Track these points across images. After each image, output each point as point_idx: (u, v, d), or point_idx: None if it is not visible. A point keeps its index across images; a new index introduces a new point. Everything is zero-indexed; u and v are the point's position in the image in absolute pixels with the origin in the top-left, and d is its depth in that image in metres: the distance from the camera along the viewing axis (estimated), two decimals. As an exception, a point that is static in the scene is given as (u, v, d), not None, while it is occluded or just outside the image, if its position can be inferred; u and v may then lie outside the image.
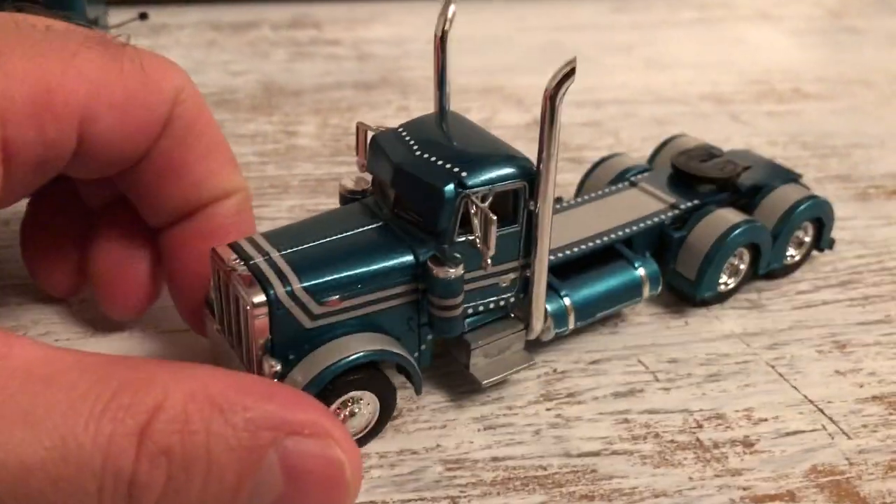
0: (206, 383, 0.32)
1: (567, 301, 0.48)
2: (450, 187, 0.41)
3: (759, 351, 0.50)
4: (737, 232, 0.52)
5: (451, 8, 0.47)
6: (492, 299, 0.45)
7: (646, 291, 0.50)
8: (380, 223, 0.44)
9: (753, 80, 0.90)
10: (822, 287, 0.56)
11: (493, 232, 0.41)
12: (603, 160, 0.61)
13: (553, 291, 0.48)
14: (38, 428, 0.30)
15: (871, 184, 0.70)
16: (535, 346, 0.48)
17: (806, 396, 0.47)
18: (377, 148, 0.46)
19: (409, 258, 0.42)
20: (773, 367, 0.49)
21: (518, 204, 0.43)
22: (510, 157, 0.43)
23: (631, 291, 0.50)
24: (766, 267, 0.55)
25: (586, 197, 0.56)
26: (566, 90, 0.40)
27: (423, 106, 0.83)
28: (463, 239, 0.42)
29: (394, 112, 0.81)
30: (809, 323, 0.53)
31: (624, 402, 0.47)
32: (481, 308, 0.45)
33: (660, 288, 0.51)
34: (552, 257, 0.47)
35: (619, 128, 0.79)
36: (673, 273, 0.53)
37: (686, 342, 0.51)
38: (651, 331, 0.52)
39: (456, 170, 0.42)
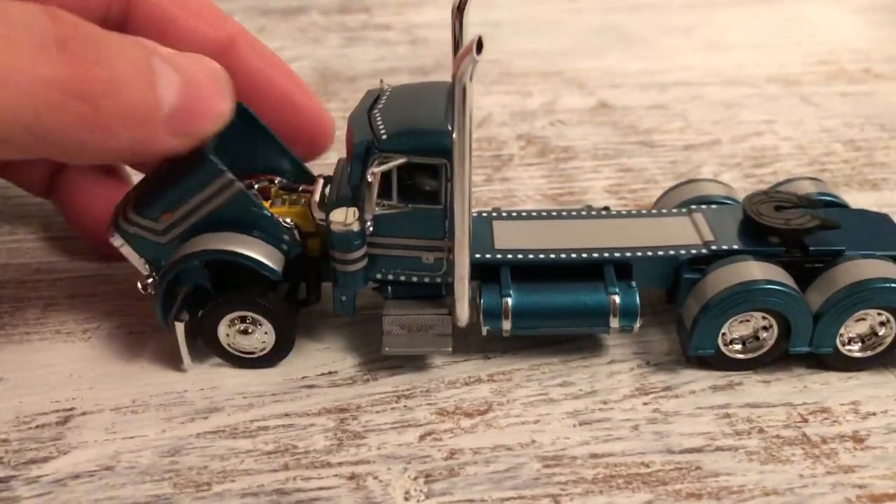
0: None
1: (507, 301, 0.45)
2: (362, 144, 0.42)
3: (859, 342, 0.48)
4: (748, 289, 0.43)
5: None
6: (414, 272, 0.45)
7: (614, 322, 0.45)
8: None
9: (821, 60, 0.87)
10: (918, 274, 0.54)
11: (372, 194, 0.42)
12: (691, 181, 0.54)
13: (497, 287, 0.45)
14: None
15: (956, 166, 0.68)
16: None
17: (914, 389, 0.45)
18: (360, 102, 0.47)
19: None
20: (875, 358, 0.47)
21: (439, 182, 0.43)
22: (433, 130, 0.42)
23: (595, 318, 0.45)
24: (803, 347, 0.45)
25: (624, 211, 0.51)
26: (472, 69, 0.38)
27: (482, 89, 0.81)
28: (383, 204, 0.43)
29: (453, 97, 0.79)
30: (909, 312, 0.51)
31: (723, 396, 0.45)
32: (402, 278, 0.45)
33: (636, 324, 0.45)
34: (521, 256, 0.46)
35: (687, 110, 0.76)
36: (679, 318, 0.47)
37: (782, 333, 0.49)
38: (743, 321, 0.50)
39: (382, 131, 0.42)
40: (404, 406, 0.44)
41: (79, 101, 0.35)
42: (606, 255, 0.46)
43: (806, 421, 0.43)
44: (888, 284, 0.44)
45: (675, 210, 0.50)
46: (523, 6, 1.03)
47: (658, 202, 0.54)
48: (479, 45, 0.38)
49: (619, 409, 0.44)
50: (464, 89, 0.39)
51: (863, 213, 0.51)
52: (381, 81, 0.48)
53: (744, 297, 0.44)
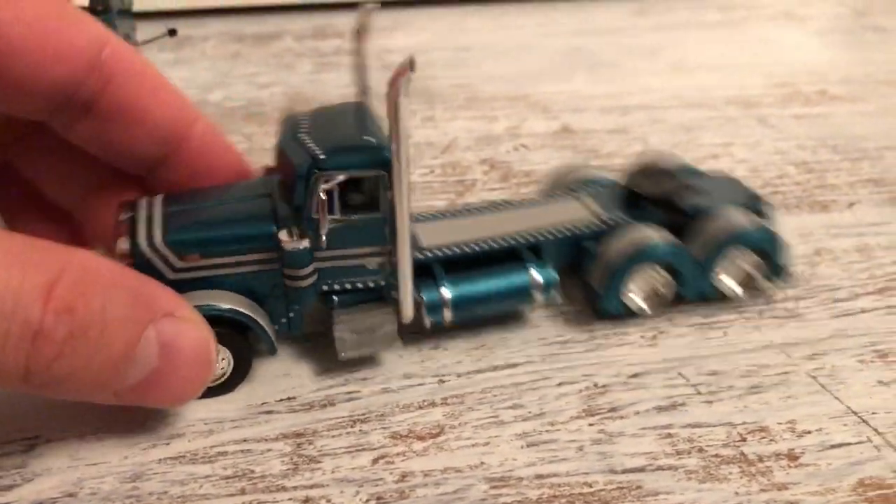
0: (97, 260, 0.37)
1: (445, 293, 0.49)
2: (304, 167, 0.45)
3: (800, 361, 0.50)
4: (646, 247, 0.52)
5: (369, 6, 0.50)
6: (360, 279, 0.48)
7: (537, 296, 0.51)
8: (265, 196, 0.48)
9: (779, 82, 0.90)
10: (861, 294, 0.56)
11: (325, 211, 0.45)
12: (570, 169, 0.61)
13: (433, 281, 0.50)
14: None
15: (905, 187, 0.70)
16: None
17: (849, 408, 0.47)
18: (280, 127, 0.50)
19: (270, 229, 0.46)
20: (814, 377, 0.49)
21: (378, 192, 0.46)
22: (370, 146, 0.45)
23: (520, 294, 0.51)
24: (692, 292, 0.54)
25: (520, 201, 0.57)
26: (406, 86, 0.41)
27: (450, 115, 0.83)
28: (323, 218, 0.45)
29: (420, 122, 0.81)
30: (849, 332, 0.53)
31: (666, 417, 0.46)
32: (348, 286, 0.48)
33: (556, 294, 0.52)
34: (448, 251, 0.50)
35: (647, 133, 0.78)
36: (586, 285, 0.53)
37: (726, 354, 0.51)
38: (690, 342, 0.52)
39: (318, 152, 0.45)
40: (359, 430, 0.46)
41: (35, 390, 0.36)
42: (521, 239, 0.52)
43: (744, 440, 0.45)
44: (747, 230, 0.53)
45: (559, 195, 0.58)
46: (493, 31, 1.05)
47: (543, 188, 0.62)
48: (412, 65, 0.41)
49: (566, 431, 0.45)
50: (397, 105, 0.42)
51: (716, 175, 0.59)
52: (290, 108, 0.52)
53: (645, 254, 0.52)
